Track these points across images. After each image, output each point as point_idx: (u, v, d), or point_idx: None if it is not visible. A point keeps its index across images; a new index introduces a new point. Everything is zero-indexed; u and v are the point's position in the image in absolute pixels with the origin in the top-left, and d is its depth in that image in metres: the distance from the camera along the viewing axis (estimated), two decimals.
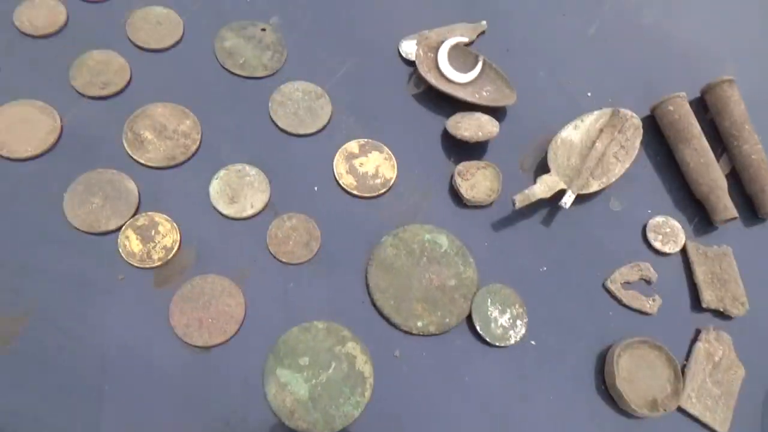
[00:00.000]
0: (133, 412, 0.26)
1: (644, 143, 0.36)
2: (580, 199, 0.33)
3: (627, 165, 0.34)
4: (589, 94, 0.38)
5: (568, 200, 0.32)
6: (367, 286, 0.30)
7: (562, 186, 0.33)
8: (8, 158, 0.30)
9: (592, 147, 0.34)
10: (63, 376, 0.27)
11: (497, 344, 0.30)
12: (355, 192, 0.32)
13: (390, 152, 0.33)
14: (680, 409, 0.30)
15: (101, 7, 0.35)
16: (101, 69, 0.33)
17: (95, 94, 0.33)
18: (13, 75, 0.33)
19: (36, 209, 0.29)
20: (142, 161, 0.31)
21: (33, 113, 0.31)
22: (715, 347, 0.31)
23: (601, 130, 0.35)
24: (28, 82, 0.32)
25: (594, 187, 0.33)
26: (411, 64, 0.37)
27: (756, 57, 0.41)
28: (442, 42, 0.37)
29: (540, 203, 0.33)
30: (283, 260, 0.30)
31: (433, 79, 0.35)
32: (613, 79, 0.39)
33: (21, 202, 0.30)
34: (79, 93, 0.32)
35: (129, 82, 0.33)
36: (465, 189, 0.33)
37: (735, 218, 0.33)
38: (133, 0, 0.36)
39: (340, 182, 0.32)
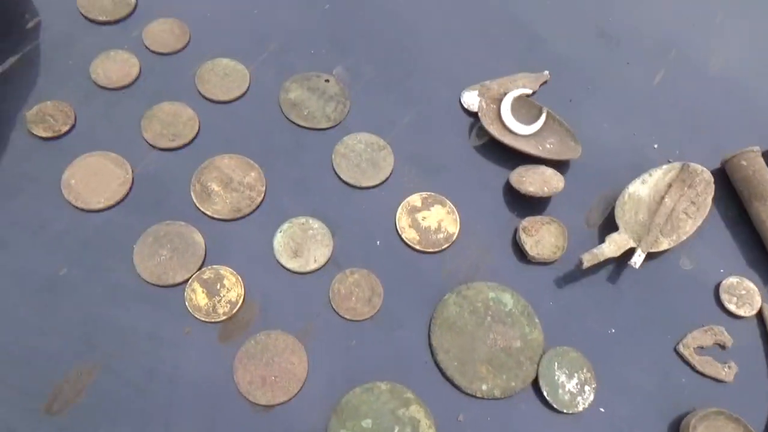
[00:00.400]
0: None
1: (715, 199, 0.35)
2: (649, 257, 0.32)
3: (698, 222, 0.33)
4: (655, 146, 0.37)
5: (638, 260, 0.31)
6: (431, 345, 0.30)
7: (632, 244, 0.32)
8: (82, 209, 0.31)
9: (660, 203, 0.33)
10: (128, 429, 0.27)
11: (564, 411, 0.29)
12: (417, 247, 0.32)
13: (452, 206, 0.33)
14: None
15: (172, 59, 0.36)
16: (171, 121, 0.34)
17: (165, 145, 0.33)
18: (88, 126, 0.34)
19: (107, 260, 0.30)
20: (209, 213, 0.32)
21: (106, 165, 0.32)
22: None
23: (670, 185, 0.34)
24: (103, 133, 0.33)
25: (664, 245, 0.32)
26: (472, 115, 0.37)
27: None
28: (505, 93, 0.36)
29: (607, 261, 0.32)
30: (346, 317, 0.30)
31: (495, 131, 0.35)
32: (680, 129, 0.38)
33: (93, 253, 0.30)
34: (150, 144, 0.33)
35: (197, 134, 0.34)
36: (530, 245, 0.32)
37: None
38: (202, 52, 0.37)
39: (403, 236, 0.32)
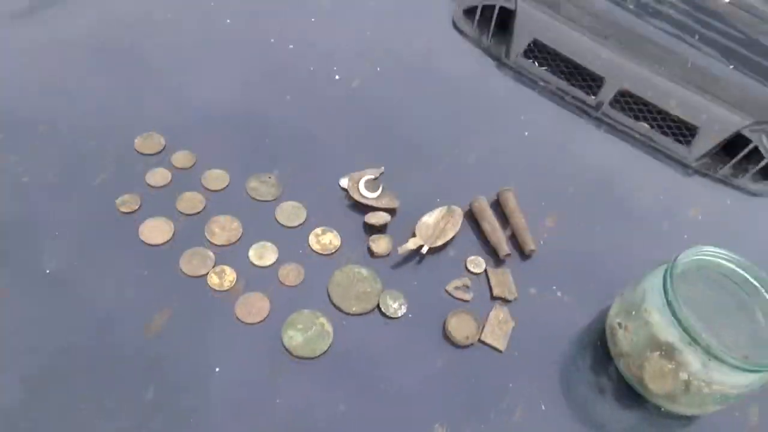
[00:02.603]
0: None
1: (465, 221, 0.70)
2: (431, 251, 0.67)
3: (454, 233, 0.68)
4: (438, 200, 0.73)
5: (424, 250, 0.66)
6: (328, 291, 0.62)
7: (421, 242, 0.67)
8: (150, 245, 0.63)
9: (436, 224, 0.69)
10: None
11: (391, 316, 0.62)
12: (319, 251, 0.66)
13: (336, 233, 0.67)
14: (481, 341, 0.62)
15: (188, 172, 0.70)
16: (190, 200, 0.67)
17: (191, 212, 0.66)
18: (149, 206, 0.66)
19: (166, 267, 0.62)
20: (213, 241, 0.64)
21: (161, 224, 0.65)
22: (498, 311, 0.63)
23: (442, 216, 0.70)
24: (156, 209, 0.66)
25: (438, 243, 0.67)
26: (344, 189, 0.72)
27: (526, 172, 0.77)
28: (361, 178, 0.72)
29: (421, 255, 0.67)
30: (285, 283, 0.63)
31: (356, 196, 0.70)
32: (447, 188, 0.74)
33: (162, 265, 0.62)
34: (181, 212, 0.66)
35: (203, 210, 0.67)
36: (374, 246, 0.66)
37: (509, 254, 0.68)
38: (206, 166, 0.71)
39: (312, 247, 0.66)
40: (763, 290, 0.56)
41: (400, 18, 0.92)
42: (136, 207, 0.66)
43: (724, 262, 0.58)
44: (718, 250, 0.57)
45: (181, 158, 0.71)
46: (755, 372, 0.52)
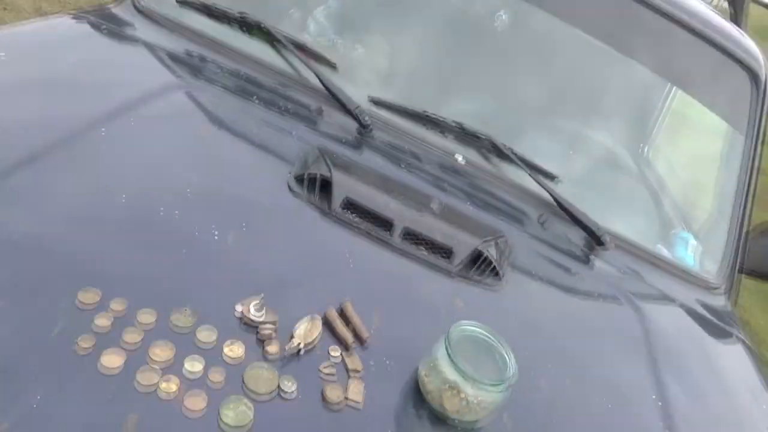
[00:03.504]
0: None
1: (323, 325, 1.07)
2: (306, 347, 1.02)
3: (317, 333, 1.04)
4: (304, 312, 1.08)
5: (301, 347, 1.00)
6: (244, 384, 0.93)
7: (298, 341, 1.01)
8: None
9: (306, 328, 1.04)
10: None
11: (287, 391, 0.94)
12: (232, 358, 0.96)
13: (241, 344, 0.99)
14: (347, 399, 0.97)
15: None
16: None
17: None
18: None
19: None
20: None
21: None
22: (353, 380, 1.00)
23: (308, 323, 1.05)
24: None
25: (309, 341, 1.02)
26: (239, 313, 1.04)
27: (356, 288, 1.16)
28: (250, 303, 1.05)
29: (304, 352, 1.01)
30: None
31: (249, 317, 1.03)
32: (309, 304, 1.10)
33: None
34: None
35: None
36: (269, 350, 0.99)
37: (354, 342, 1.05)
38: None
39: (227, 355, 0.96)
40: (497, 344, 1.01)
41: (250, 186, 1.30)
42: (91, 345, 0.91)
43: (475, 329, 1.03)
44: (470, 323, 1.02)
45: (116, 304, 0.97)
46: (497, 386, 0.96)
